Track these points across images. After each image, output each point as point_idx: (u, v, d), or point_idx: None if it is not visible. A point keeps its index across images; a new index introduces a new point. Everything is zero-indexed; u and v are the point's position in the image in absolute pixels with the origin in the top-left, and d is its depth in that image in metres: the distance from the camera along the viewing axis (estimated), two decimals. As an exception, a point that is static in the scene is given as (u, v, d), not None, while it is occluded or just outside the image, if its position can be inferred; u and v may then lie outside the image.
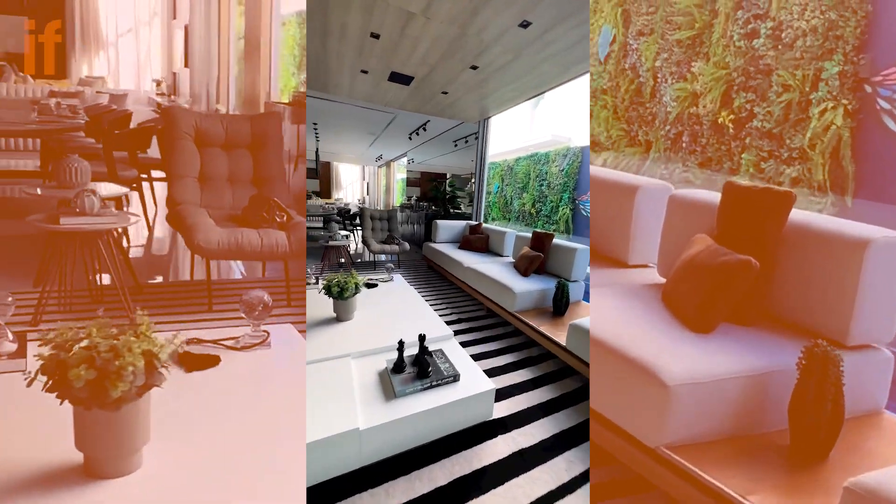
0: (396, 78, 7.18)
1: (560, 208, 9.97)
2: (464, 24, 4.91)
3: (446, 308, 5.08)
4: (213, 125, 4.06)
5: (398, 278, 4.97)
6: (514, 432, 2.49)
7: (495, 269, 5.02)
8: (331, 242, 6.99)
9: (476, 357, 3.45)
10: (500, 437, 2.44)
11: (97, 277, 3.24)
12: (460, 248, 6.83)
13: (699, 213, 2.48)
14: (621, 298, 2.38)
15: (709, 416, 1.76)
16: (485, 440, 2.39)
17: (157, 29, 11.87)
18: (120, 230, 3.94)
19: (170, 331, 1.45)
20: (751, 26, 4.41)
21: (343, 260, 7.23)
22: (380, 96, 8.51)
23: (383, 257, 8.17)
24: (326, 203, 17.79)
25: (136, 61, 11.88)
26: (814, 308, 2.02)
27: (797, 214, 2.14)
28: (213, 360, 1.82)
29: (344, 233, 8.11)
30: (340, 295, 3.09)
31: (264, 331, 2.02)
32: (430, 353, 2.59)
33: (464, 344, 3.64)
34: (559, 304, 4.04)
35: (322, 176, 30.59)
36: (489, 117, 9.14)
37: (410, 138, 13.18)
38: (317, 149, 16.10)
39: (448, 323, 4.18)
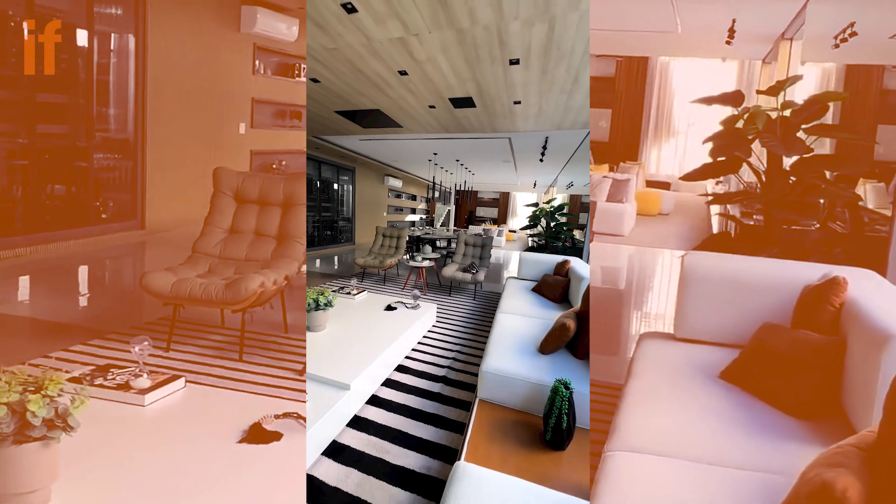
0: (459, 103, 6.11)
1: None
2: (452, 20, 3.79)
3: (446, 370, 3.67)
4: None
5: (426, 309, 4.20)
6: None
7: (516, 326, 3.25)
8: (410, 263, 6.61)
9: None
10: None
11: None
12: (534, 290, 5.00)
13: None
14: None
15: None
16: None
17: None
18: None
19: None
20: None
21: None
22: (467, 123, 7.44)
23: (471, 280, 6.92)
24: (484, 228, 17.17)
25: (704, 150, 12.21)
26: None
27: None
28: (271, 437, 1.55)
29: (427, 255, 7.12)
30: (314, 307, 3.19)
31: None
32: None
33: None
34: (558, 433, 2.05)
35: (501, 205, 30.45)
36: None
37: (541, 160, 11.68)
38: (465, 180, 15.66)
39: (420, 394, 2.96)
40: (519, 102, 6.19)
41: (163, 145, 6.10)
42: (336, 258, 10.15)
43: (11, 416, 1.13)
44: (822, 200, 4.31)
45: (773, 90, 4.14)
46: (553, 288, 4.66)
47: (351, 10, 3.68)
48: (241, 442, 1.52)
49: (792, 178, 3.88)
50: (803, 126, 3.98)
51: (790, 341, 1.90)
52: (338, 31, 4.16)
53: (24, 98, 5.09)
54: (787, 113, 4.06)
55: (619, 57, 11.63)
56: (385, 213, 15.68)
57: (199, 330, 3.34)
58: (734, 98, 4.25)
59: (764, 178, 4.08)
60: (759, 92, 4.67)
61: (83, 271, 5.07)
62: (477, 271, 6.28)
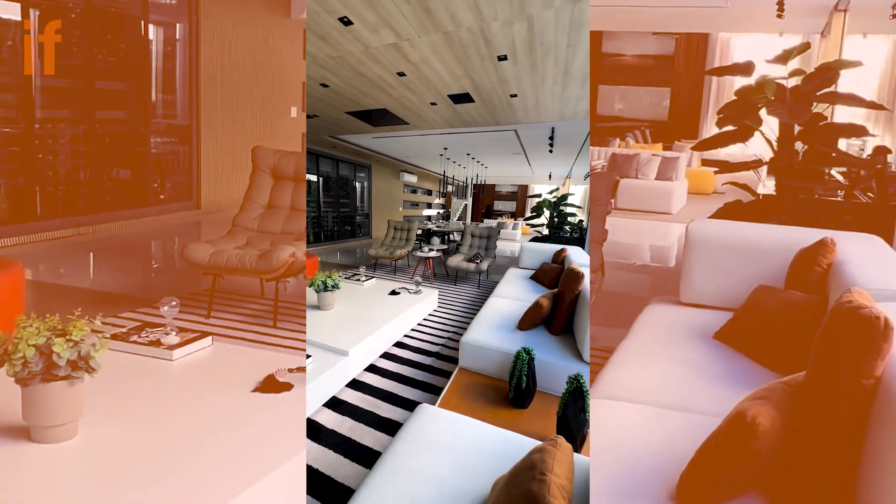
0: (458, 99, 6.39)
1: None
2: (437, 24, 3.99)
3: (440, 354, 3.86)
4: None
5: (427, 294, 4.33)
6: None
7: (503, 307, 3.41)
8: (417, 253, 6.82)
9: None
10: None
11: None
12: (532, 277, 4.80)
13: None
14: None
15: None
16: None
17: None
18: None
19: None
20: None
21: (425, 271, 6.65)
22: (470, 118, 7.59)
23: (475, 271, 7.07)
24: (499, 222, 17.12)
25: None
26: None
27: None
28: (283, 387, 1.59)
29: (434, 247, 7.27)
30: (322, 288, 3.25)
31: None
32: None
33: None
34: (519, 392, 2.23)
35: (518, 198, 30.09)
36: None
37: (550, 151, 11.59)
38: (477, 174, 15.61)
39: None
40: (515, 95, 6.31)
41: (217, 130, 6.22)
42: (355, 251, 10.41)
43: (39, 357, 1.23)
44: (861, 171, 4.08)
45: (781, 59, 4.01)
46: (547, 274, 4.70)
47: (347, 22, 3.97)
48: (255, 391, 1.58)
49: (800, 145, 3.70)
50: (817, 93, 3.80)
51: (779, 301, 1.88)
52: (338, 41, 4.45)
53: (84, 86, 5.33)
54: (799, 81, 3.87)
55: (676, 34, 10.80)
56: (401, 208, 15.80)
57: (239, 300, 3.49)
58: (744, 68, 4.15)
59: (776, 147, 3.99)
60: (767, 61, 4.51)
61: (142, 248, 5.40)
62: (481, 261, 6.44)
